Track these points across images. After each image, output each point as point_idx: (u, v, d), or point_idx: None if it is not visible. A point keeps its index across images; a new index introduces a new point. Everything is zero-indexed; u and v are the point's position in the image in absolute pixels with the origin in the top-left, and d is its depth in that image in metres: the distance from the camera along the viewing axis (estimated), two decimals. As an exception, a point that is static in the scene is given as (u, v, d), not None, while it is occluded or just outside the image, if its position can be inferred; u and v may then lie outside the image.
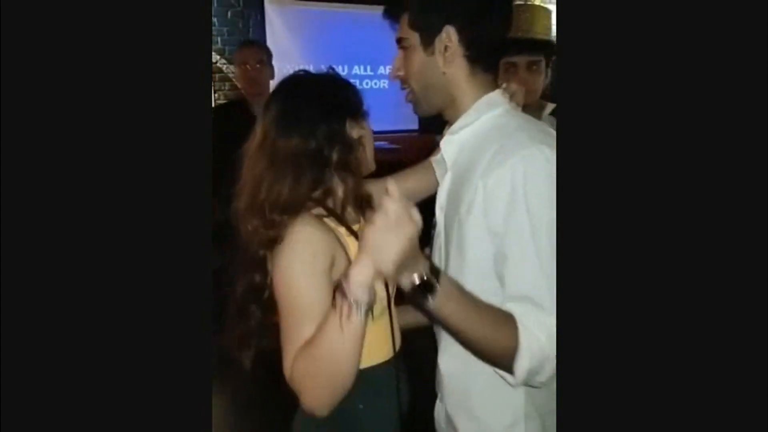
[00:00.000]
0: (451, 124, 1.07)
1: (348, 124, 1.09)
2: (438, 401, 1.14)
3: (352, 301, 0.83)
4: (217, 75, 4.44)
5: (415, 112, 1.11)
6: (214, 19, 4.47)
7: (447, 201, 1.04)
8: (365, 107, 1.14)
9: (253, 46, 3.12)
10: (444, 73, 1.01)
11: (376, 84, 5.46)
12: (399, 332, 1.17)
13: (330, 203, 1.09)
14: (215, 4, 4.47)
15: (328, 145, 1.06)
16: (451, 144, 1.05)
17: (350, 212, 1.14)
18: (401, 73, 1.07)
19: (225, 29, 4.60)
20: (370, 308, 0.87)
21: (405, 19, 1.03)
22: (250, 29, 4.67)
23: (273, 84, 2.25)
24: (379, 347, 1.11)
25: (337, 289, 0.86)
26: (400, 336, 1.18)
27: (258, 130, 1.09)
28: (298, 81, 1.14)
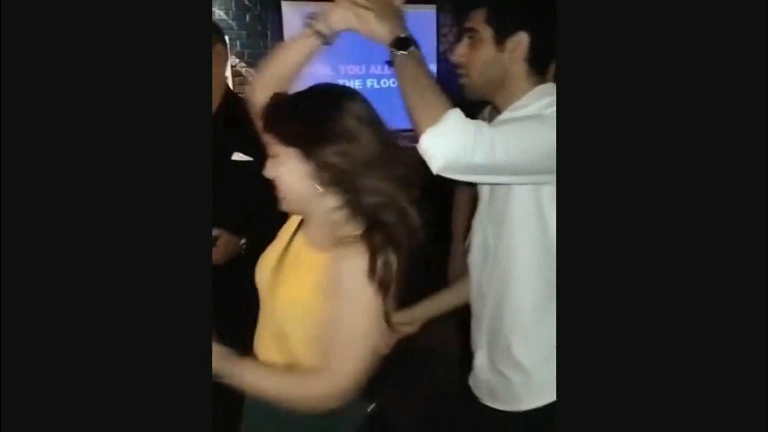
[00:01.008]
0: (495, 107, 1.24)
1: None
2: (478, 355, 1.30)
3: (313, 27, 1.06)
4: (236, 79, 4.48)
5: (465, 94, 1.24)
6: (233, 23, 4.52)
7: None
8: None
9: None
10: (506, 69, 1.15)
11: (394, 83, 5.44)
12: None
13: None
14: (233, 8, 4.51)
15: None
16: None
17: None
18: (465, 59, 1.19)
19: (243, 32, 4.63)
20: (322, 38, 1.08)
21: (479, 13, 1.16)
22: (269, 31, 4.70)
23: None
24: None
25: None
26: None
27: None
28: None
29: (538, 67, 1.16)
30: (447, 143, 0.97)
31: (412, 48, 1.04)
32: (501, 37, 1.14)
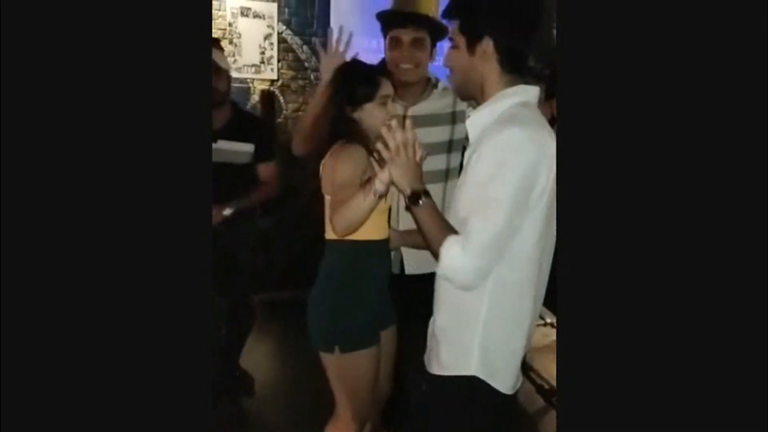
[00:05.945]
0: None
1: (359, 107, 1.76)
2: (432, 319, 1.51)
3: (374, 189, 1.44)
4: (282, 45, 4.49)
5: (456, 94, 1.54)
6: (281, -10, 4.50)
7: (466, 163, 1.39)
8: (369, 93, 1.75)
9: None
10: (480, 71, 1.35)
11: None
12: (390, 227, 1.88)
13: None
14: (281, -25, 4.49)
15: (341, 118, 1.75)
16: (471, 122, 1.39)
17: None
18: (450, 64, 1.41)
19: (292, 0, 4.61)
20: (382, 197, 1.48)
21: (455, 24, 1.37)
22: (316, 1, 4.65)
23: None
24: (379, 228, 1.79)
25: (368, 180, 1.49)
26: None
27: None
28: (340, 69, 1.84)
29: (508, 67, 1.34)
30: (456, 275, 1.25)
31: (423, 199, 1.29)
32: (472, 44, 1.33)
